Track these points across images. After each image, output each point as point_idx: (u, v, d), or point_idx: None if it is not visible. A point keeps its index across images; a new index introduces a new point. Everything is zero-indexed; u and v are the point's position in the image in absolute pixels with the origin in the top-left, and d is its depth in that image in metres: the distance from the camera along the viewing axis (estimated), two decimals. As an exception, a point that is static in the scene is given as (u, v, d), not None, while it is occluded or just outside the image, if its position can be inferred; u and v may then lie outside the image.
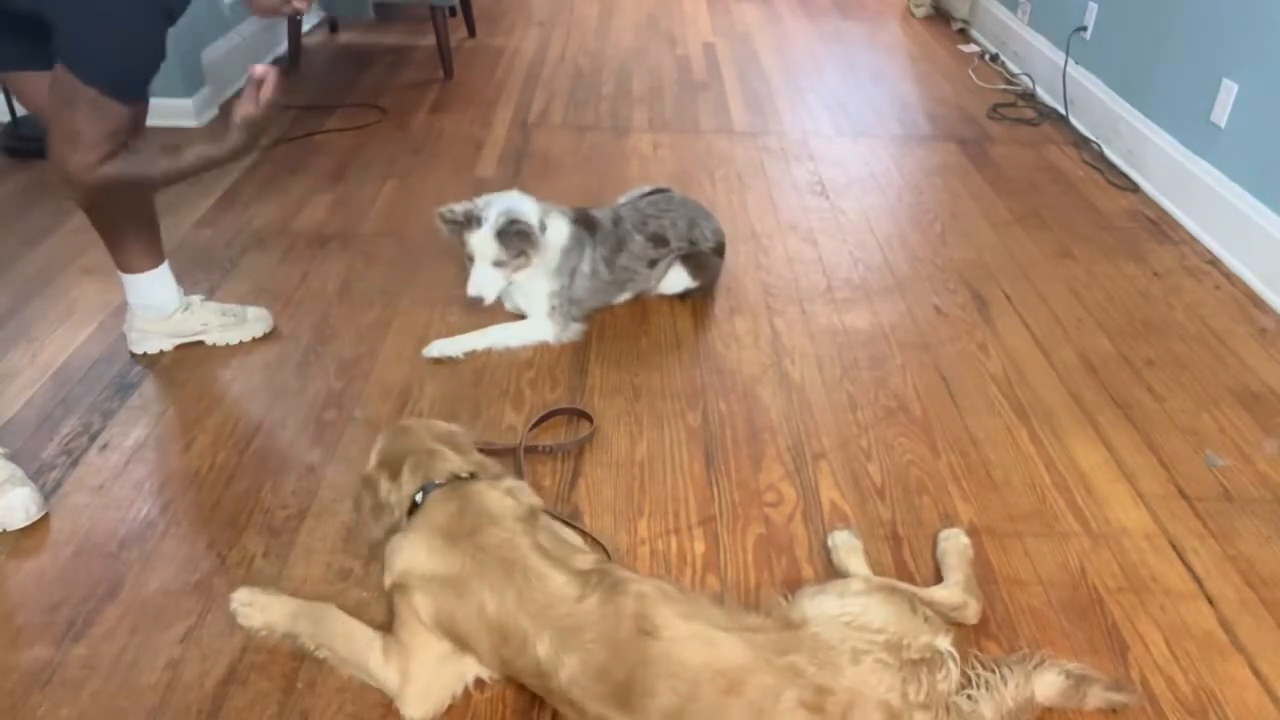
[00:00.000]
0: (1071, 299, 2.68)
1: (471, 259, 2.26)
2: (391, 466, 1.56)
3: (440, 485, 1.52)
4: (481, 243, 2.22)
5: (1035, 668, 1.43)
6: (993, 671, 1.41)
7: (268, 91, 1.77)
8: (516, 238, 2.21)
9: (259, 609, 1.57)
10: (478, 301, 2.28)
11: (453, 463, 1.55)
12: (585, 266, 2.38)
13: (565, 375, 2.27)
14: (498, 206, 2.24)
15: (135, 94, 1.73)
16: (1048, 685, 1.43)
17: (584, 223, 2.39)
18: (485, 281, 2.26)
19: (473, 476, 1.55)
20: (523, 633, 1.36)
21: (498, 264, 2.24)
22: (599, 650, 1.32)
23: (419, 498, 1.52)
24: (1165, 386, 2.31)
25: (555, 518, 1.74)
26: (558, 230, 2.33)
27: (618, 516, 1.86)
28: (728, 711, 1.26)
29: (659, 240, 2.46)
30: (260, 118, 1.80)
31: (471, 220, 2.23)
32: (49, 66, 1.70)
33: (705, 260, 2.54)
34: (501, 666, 1.44)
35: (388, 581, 1.47)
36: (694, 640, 1.31)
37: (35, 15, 1.64)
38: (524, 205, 2.28)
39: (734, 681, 1.27)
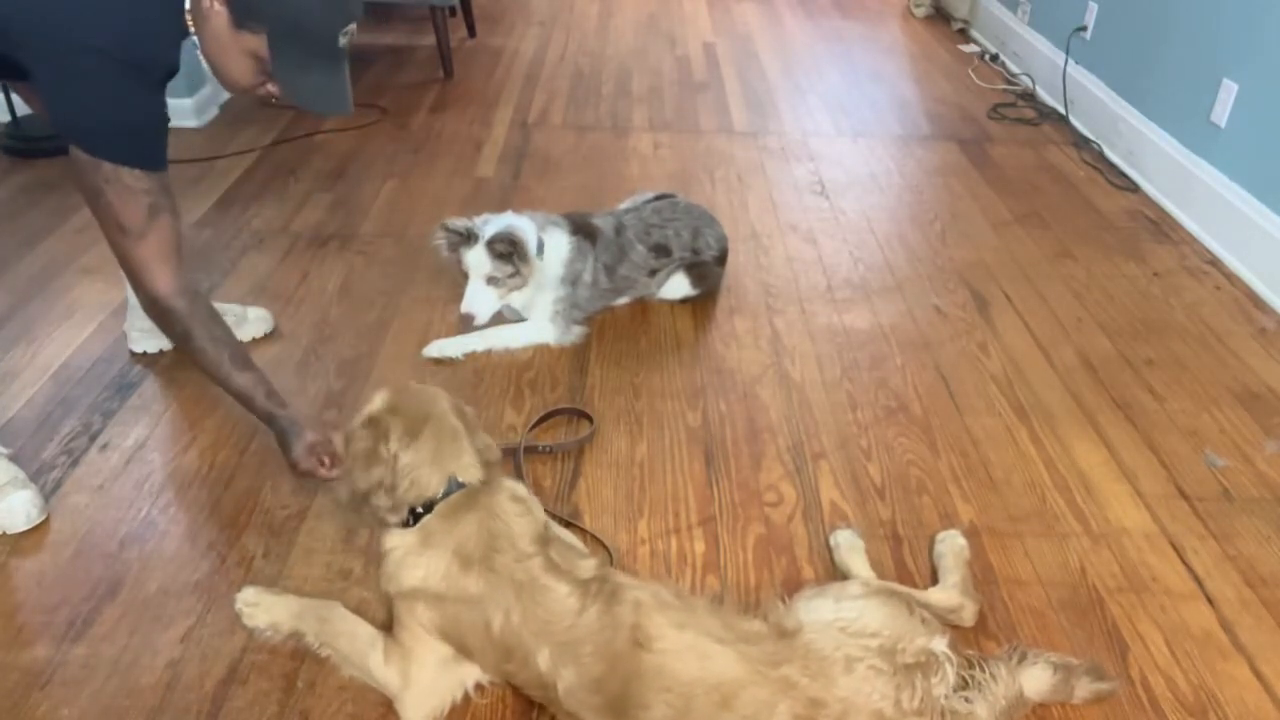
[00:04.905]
0: (1071, 299, 2.68)
1: (466, 276, 2.26)
2: (409, 421, 1.47)
3: (462, 486, 1.47)
4: (475, 258, 2.23)
5: (1019, 663, 1.43)
6: (983, 670, 1.40)
7: (332, 473, 1.76)
8: (509, 251, 2.21)
9: (264, 609, 1.56)
10: (469, 320, 2.26)
11: (472, 458, 1.49)
12: (587, 275, 2.38)
13: (565, 375, 2.27)
14: (494, 224, 2.25)
15: (146, 162, 1.64)
16: (1036, 680, 1.43)
17: (585, 232, 2.39)
18: (478, 299, 2.26)
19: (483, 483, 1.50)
20: (525, 648, 1.36)
21: (491, 281, 2.24)
22: (595, 663, 1.32)
23: (439, 494, 1.46)
24: (1165, 386, 2.31)
25: (555, 518, 1.74)
26: (557, 244, 2.33)
27: (618, 517, 1.86)
28: None
29: (662, 250, 2.46)
30: (313, 473, 1.79)
31: (470, 236, 2.24)
32: None
33: (707, 270, 2.55)
34: (505, 678, 1.44)
35: (391, 590, 1.46)
36: (688, 652, 1.30)
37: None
38: (520, 224, 2.28)
39: (728, 695, 1.26)
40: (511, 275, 2.24)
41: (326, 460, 1.77)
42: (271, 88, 1.67)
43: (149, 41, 1.60)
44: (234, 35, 1.60)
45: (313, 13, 1.59)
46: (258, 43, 1.60)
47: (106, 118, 1.60)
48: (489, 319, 2.30)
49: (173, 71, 1.67)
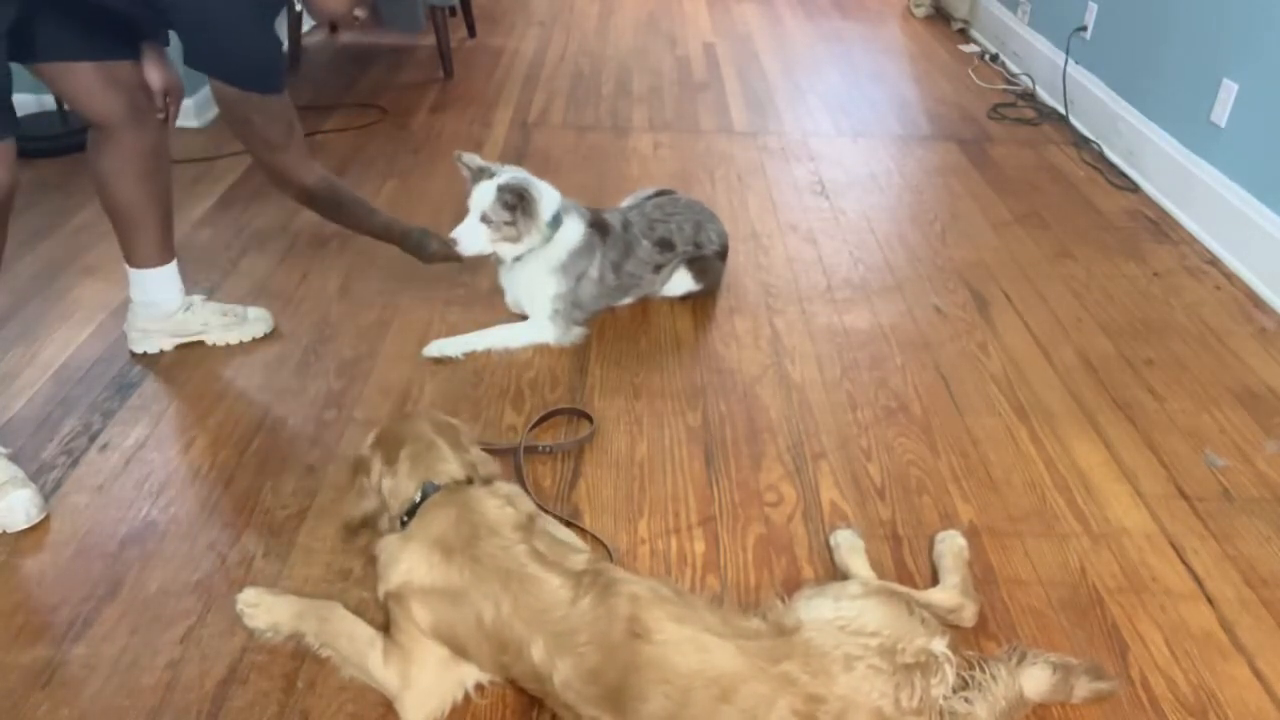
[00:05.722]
0: (1071, 299, 2.68)
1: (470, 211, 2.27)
2: (387, 451, 1.57)
3: (439, 488, 1.52)
4: (481, 193, 2.23)
5: (1019, 663, 1.43)
6: (983, 671, 1.40)
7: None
8: (514, 199, 2.21)
9: (265, 610, 1.57)
10: (455, 242, 2.25)
11: (450, 464, 1.55)
12: (594, 272, 2.37)
13: (565, 375, 2.27)
14: (519, 173, 2.28)
15: (281, 84, 1.91)
16: (1036, 680, 1.43)
17: (598, 226, 2.39)
18: (467, 232, 2.25)
19: (469, 481, 1.55)
20: (519, 639, 1.36)
21: (485, 220, 2.23)
22: (591, 653, 1.32)
23: (417, 498, 1.52)
24: (1165, 386, 2.31)
25: (556, 518, 1.75)
26: (572, 229, 2.33)
27: (618, 516, 1.86)
28: (720, 719, 1.26)
29: (665, 245, 2.46)
30: (453, 255, 2.27)
31: (484, 172, 2.27)
32: (102, 57, 1.87)
33: (709, 265, 2.55)
34: (501, 672, 1.44)
35: (382, 591, 1.47)
36: (687, 645, 1.30)
37: (139, 18, 1.80)
38: (545, 189, 2.30)
39: (726, 689, 1.26)
40: (508, 224, 2.23)
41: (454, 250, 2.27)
42: (359, 13, 1.95)
43: None
44: None
45: None
46: None
47: (252, 55, 1.85)
48: (472, 255, 2.28)
49: (284, 3, 1.91)
